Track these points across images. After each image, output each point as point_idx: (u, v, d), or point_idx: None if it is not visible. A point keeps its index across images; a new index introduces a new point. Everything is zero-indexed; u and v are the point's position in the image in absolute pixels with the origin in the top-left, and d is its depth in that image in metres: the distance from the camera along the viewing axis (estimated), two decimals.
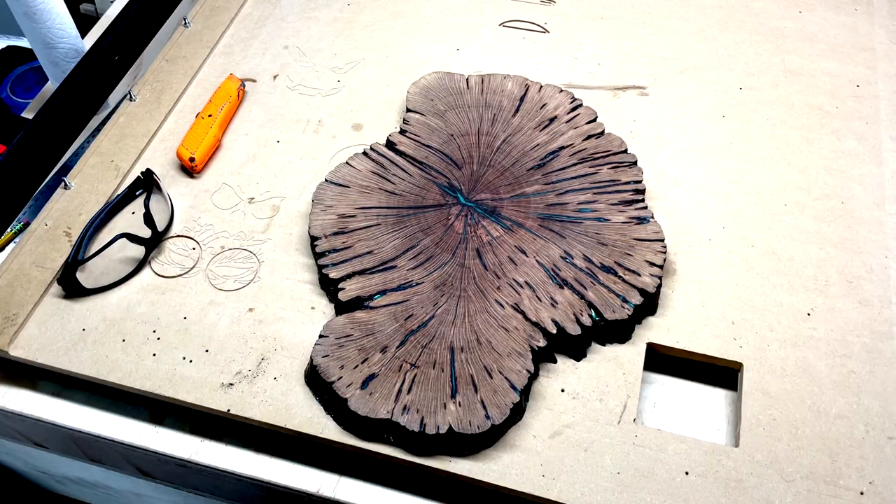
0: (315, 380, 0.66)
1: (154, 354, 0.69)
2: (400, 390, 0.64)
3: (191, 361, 0.69)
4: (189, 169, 0.83)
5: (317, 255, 0.74)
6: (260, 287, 0.74)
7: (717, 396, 0.69)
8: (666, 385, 0.70)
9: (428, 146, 0.81)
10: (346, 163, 0.80)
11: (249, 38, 0.98)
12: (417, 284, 0.71)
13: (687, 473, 0.62)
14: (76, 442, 0.73)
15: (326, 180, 0.79)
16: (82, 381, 0.70)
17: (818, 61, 0.92)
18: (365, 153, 0.81)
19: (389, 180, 0.79)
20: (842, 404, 0.65)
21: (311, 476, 0.66)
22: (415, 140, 0.82)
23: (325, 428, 0.65)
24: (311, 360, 0.66)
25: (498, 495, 0.63)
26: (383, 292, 0.70)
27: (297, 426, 0.65)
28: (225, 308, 0.73)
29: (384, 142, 0.83)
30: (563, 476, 0.62)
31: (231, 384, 0.67)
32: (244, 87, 0.91)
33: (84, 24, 1.11)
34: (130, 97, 0.90)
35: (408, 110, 0.85)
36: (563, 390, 0.67)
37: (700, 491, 0.61)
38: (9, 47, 1.53)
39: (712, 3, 0.99)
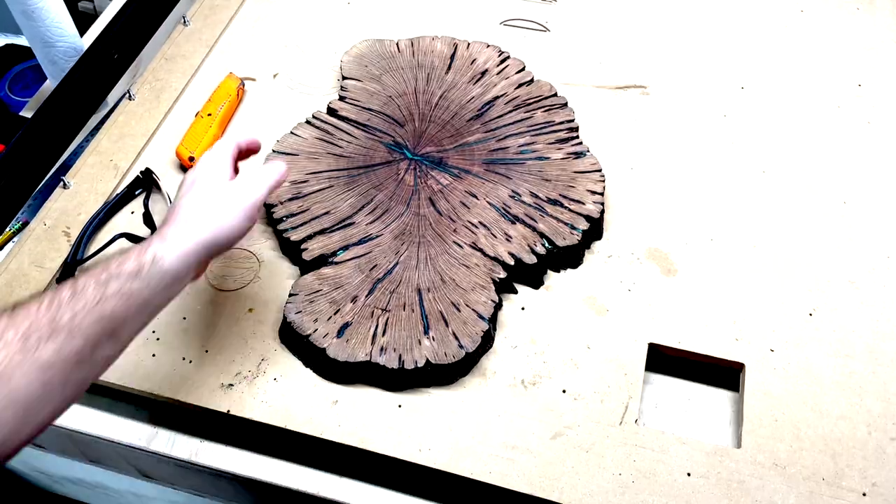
0: (291, 336, 0.68)
1: (154, 355, 0.69)
2: (375, 334, 0.67)
3: (191, 362, 0.69)
4: (188, 168, 0.83)
5: (275, 222, 0.75)
6: (260, 287, 0.74)
7: (719, 397, 0.69)
8: (667, 386, 0.70)
9: (369, 109, 0.84)
10: (291, 133, 0.82)
11: (249, 36, 0.97)
12: (378, 237, 0.73)
13: (689, 474, 0.62)
14: (75, 443, 0.73)
15: (274, 151, 0.80)
16: None
17: (818, 61, 0.92)
18: (308, 122, 0.84)
19: (336, 144, 0.81)
20: (844, 405, 0.65)
21: (310, 476, 0.66)
22: (355, 105, 0.84)
23: (325, 428, 0.64)
24: (285, 317, 0.68)
25: (499, 496, 0.63)
26: (345, 248, 0.72)
27: (297, 426, 0.65)
28: (225, 308, 0.72)
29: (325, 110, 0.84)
30: (564, 477, 0.62)
31: (231, 384, 0.67)
32: (244, 85, 0.91)
33: (83, 22, 1.11)
34: (129, 96, 0.89)
35: (344, 78, 0.87)
36: (564, 391, 0.66)
37: (702, 492, 0.61)
38: (7, 45, 1.53)
39: (712, 3, 0.99)
